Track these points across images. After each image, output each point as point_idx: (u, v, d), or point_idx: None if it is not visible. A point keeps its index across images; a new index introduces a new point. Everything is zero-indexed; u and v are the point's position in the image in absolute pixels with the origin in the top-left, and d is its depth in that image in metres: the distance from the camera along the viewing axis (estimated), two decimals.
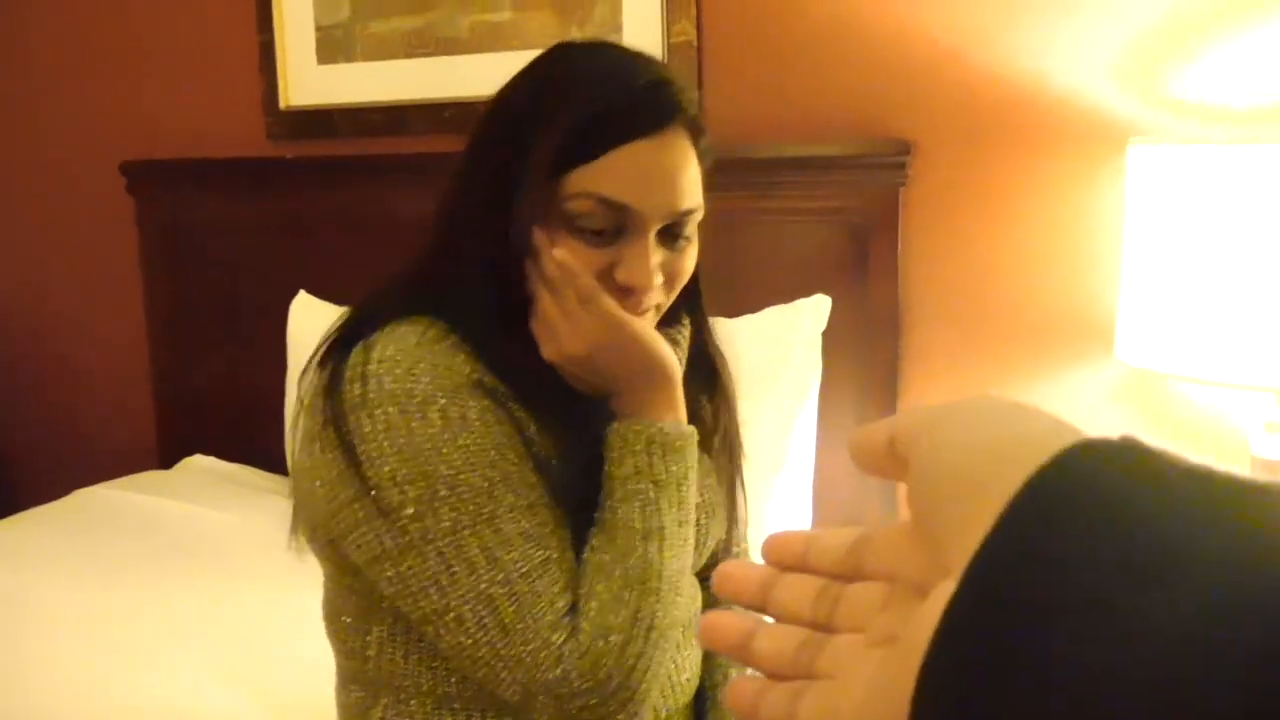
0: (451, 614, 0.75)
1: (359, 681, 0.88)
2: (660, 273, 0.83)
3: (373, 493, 0.76)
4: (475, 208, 0.84)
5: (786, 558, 0.36)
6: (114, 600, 1.50)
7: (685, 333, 0.95)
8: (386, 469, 0.76)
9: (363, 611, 0.85)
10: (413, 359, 0.78)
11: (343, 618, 0.87)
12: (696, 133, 0.84)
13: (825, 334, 1.70)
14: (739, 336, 1.63)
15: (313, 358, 0.84)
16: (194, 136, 2.18)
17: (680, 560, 0.81)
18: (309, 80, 2.07)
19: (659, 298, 0.85)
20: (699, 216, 0.86)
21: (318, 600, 0.91)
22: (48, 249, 2.40)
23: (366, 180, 1.99)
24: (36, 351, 2.45)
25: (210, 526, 1.78)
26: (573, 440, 0.83)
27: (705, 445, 0.93)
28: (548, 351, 0.82)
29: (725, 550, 1.00)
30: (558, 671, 0.74)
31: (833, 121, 1.74)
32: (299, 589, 0.94)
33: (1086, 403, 1.65)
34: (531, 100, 0.82)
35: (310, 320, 1.79)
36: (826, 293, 1.71)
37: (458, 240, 0.85)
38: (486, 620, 0.75)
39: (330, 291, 1.86)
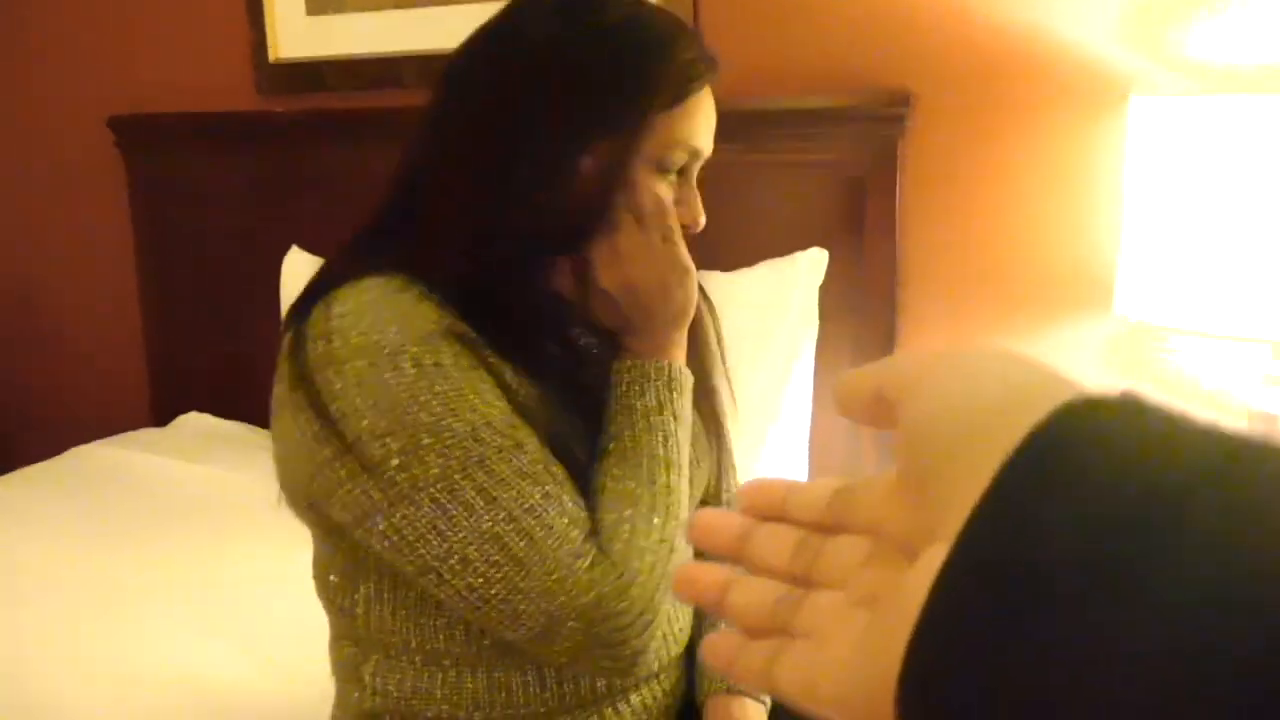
0: (455, 557, 0.74)
1: (349, 638, 0.88)
2: None
3: (353, 450, 0.75)
4: (477, 167, 0.83)
5: (765, 507, 0.35)
6: (108, 558, 1.50)
7: None
8: (365, 423, 0.75)
9: (349, 569, 0.84)
10: (376, 310, 0.77)
11: (330, 576, 0.86)
12: None
13: (821, 290, 1.69)
14: (734, 291, 1.63)
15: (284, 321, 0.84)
16: (182, 91, 2.14)
17: (690, 494, 0.85)
18: (298, 32, 2.04)
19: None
20: None
21: (311, 556, 0.90)
22: (37, 207, 2.37)
23: (358, 134, 1.96)
24: (28, 310, 2.43)
25: (205, 484, 1.77)
26: (559, 383, 0.84)
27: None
28: (607, 278, 0.85)
29: (714, 499, 1.01)
30: (591, 595, 0.75)
31: (830, 73, 1.71)
32: (294, 545, 0.93)
33: (1086, 358, 1.64)
34: (590, 49, 0.84)
35: (302, 276, 1.77)
36: (823, 248, 1.70)
37: (440, 199, 0.84)
38: (496, 557, 0.74)
39: (322, 247, 1.84)
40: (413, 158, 0.88)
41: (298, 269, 1.89)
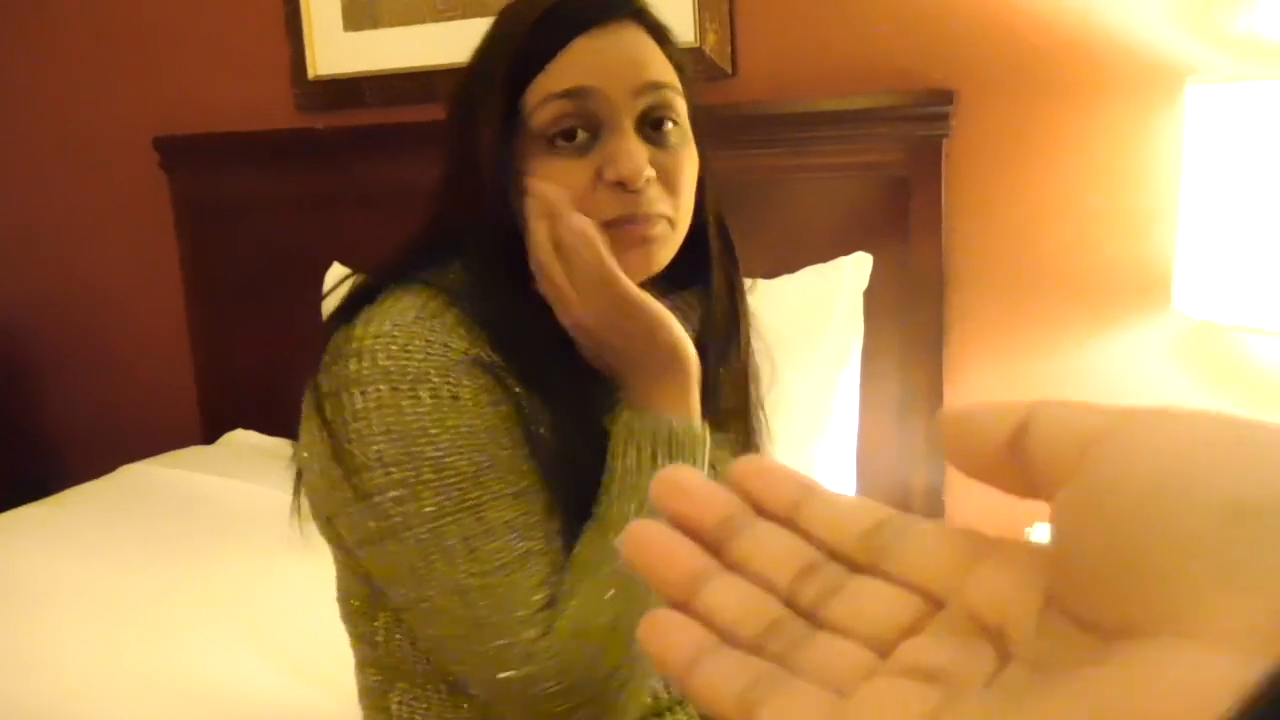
0: (426, 604, 0.73)
1: (374, 665, 0.86)
2: (652, 169, 0.78)
3: (360, 473, 0.74)
4: (463, 169, 0.81)
5: (769, 499, 0.28)
6: (156, 576, 1.51)
7: (698, 301, 0.89)
8: (374, 449, 0.73)
9: (368, 595, 0.83)
10: (408, 335, 0.75)
11: (351, 600, 0.85)
12: (655, 31, 0.81)
13: (866, 294, 1.65)
14: (777, 298, 1.60)
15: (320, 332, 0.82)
16: (224, 110, 2.16)
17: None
18: (337, 48, 2.05)
19: (663, 205, 0.79)
20: (680, 107, 0.81)
21: None
22: (84, 228, 2.40)
23: (398, 148, 1.96)
24: (77, 330, 2.47)
25: (252, 500, 1.78)
26: (573, 421, 0.79)
27: (721, 425, 0.88)
28: (561, 316, 0.78)
29: None
30: (528, 669, 0.71)
31: (871, 72, 1.68)
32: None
33: (1144, 359, 1.59)
34: (483, 42, 0.82)
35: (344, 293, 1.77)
36: (867, 251, 1.66)
37: (454, 205, 0.83)
38: (459, 613, 0.72)
39: (364, 261, 1.83)
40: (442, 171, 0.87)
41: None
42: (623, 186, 0.77)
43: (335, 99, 2.06)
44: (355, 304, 0.80)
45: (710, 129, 0.86)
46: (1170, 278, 1.47)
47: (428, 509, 0.72)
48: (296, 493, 0.85)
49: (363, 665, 0.88)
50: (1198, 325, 1.52)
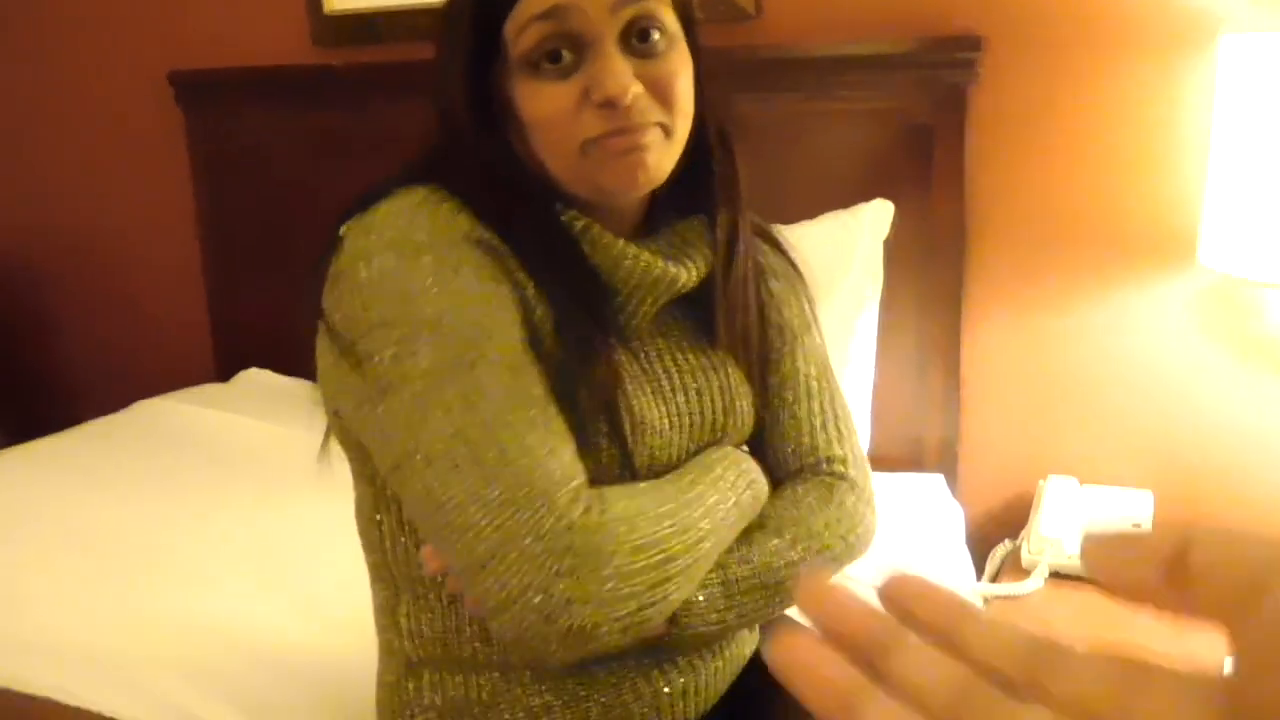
0: (420, 454, 0.71)
1: (383, 579, 0.87)
2: (639, 82, 0.77)
3: (363, 339, 0.74)
4: (443, 101, 0.82)
5: (922, 615, 0.27)
6: (169, 510, 1.52)
7: (696, 258, 0.86)
8: (375, 313, 0.74)
9: (373, 499, 0.83)
10: (414, 212, 0.77)
11: (363, 507, 0.86)
12: None
13: (886, 243, 1.63)
14: (797, 243, 1.57)
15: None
16: (239, 45, 2.14)
17: (703, 574, 0.78)
18: None
19: (655, 113, 0.78)
20: (667, 13, 0.79)
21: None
22: (99, 166, 2.39)
23: (412, 85, 1.93)
24: (93, 267, 2.46)
25: (265, 438, 1.79)
26: (574, 308, 0.79)
27: (733, 348, 0.89)
28: None
29: (790, 464, 0.90)
30: (562, 522, 0.68)
31: (898, 16, 1.64)
32: (351, 501, 0.93)
33: (1168, 314, 1.57)
34: None
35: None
36: (888, 200, 1.64)
37: (440, 138, 0.84)
38: (461, 459, 0.69)
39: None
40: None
41: None
42: (609, 105, 0.76)
43: (350, 34, 2.04)
44: (363, 203, 0.81)
45: (720, 60, 0.85)
46: (1196, 232, 1.44)
47: (423, 364, 0.72)
48: (327, 437, 0.85)
49: (374, 581, 0.88)
50: (1223, 280, 1.50)
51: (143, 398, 2.03)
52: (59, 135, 2.41)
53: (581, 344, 0.78)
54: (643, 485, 0.76)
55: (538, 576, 0.67)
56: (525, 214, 0.80)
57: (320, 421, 0.85)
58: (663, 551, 0.71)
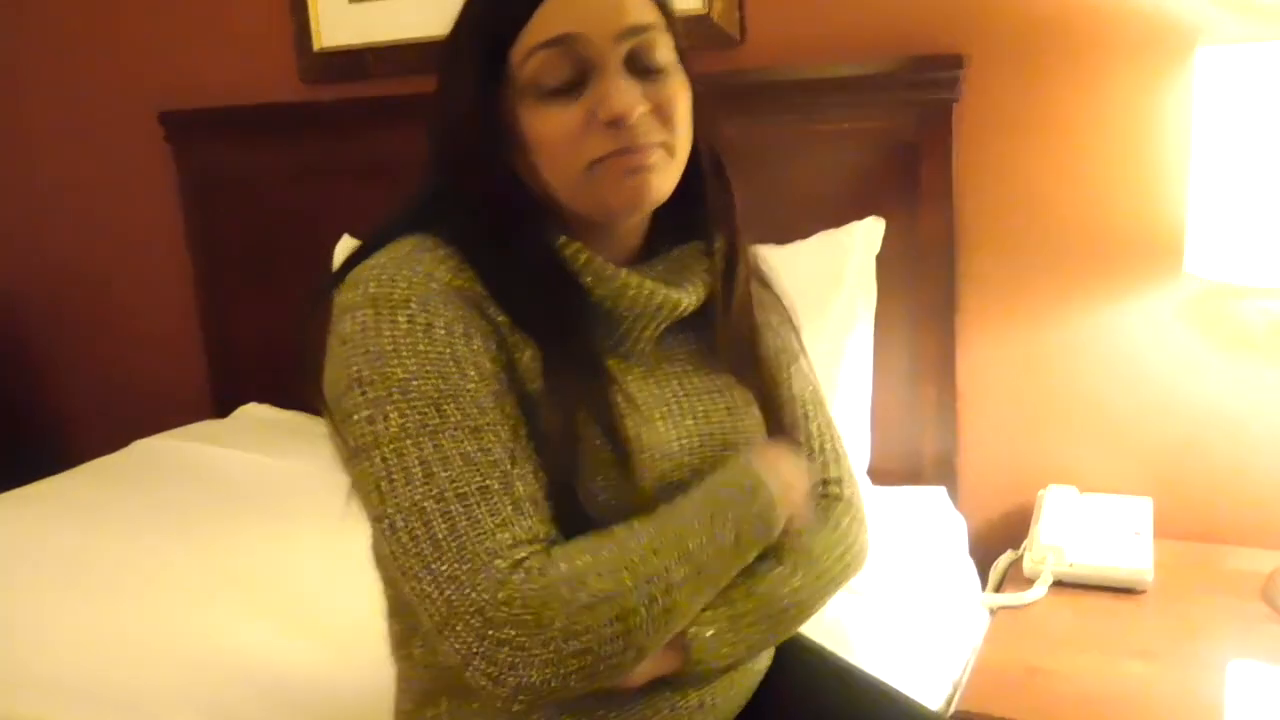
0: (386, 521, 0.74)
1: (399, 613, 0.88)
2: (644, 102, 0.79)
3: (343, 396, 0.76)
4: (450, 131, 0.84)
5: None
6: (171, 548, 1.52)
7: (696, 281, 0.88)
8: (354, 370, 0.76)
9: None
10: (398, 265, 0.78)
11: (380, 545, 0.87)
12: None
13: (878, 260, 1.65)
14: (790, 264, 1.59)
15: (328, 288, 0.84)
16: (229, 84, 2.16)
17: (686, 618, 0.78)
18: (341, 20, 2.04)
19: (659, 134, 0.81)
20: (666, 41, 0.82)
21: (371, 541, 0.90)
22: (91, 204, 2.40)
23: (403, 120, 1.95)
24: (88, 306, 2.47)
25: (265, 473, 1.79)
26: (560, 353, 0.80)
27: (739, 372, 0.91)
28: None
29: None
30: (499, 594, 0.70)
31: (880, 38, 1.67)
32: (354, 533, 0.93)
33: (1156, 322, 1.59)
34: (462, 8, 0.85)
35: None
36: (879, 217, 1.66)
37: (444, 169, 0.85)
38: (418, 532, 0.72)
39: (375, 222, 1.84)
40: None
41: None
42: (615, 125, 0.78)
43: (340, 71, 2.06)
44: (364, 250, 0.83)
45: (704, 75, 0.87)
46: (1182, 241, 1.46)
47: (392, 428, 0.74)
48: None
49: (390, 614, 0.90)
50: (1209, 288, 1.52)
51: (138, 431, 2.03)
52: (50, 174, 2.43)
53: (578, 377, 0.80)
54: (616, 531, 0.76)
55: (482, 646, 0.70)
56: (522, 247, 0.81)
57: (324, 454, 0.86)
58: (618, 606, 0.72)
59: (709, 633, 0.80)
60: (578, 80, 0.79)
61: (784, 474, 0.85)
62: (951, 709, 1.24)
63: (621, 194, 0.80)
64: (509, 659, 0.70)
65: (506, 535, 0.72)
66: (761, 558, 0.84)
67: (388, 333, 0.75)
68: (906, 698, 1.00)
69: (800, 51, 1.73)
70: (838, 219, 1.67)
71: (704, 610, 0.79)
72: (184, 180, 2.24)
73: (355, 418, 0.75)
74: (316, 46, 2.07)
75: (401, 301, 0.76)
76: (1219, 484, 1.60)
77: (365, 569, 0.91)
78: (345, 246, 1.93)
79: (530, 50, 0.78)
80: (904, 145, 1.66)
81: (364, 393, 0.75)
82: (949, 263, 1.67)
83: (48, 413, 2.57)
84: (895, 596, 1.36)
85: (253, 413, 2.15)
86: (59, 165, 2.42)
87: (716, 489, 0.81)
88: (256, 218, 2.18)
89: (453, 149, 0.84)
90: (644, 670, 0.78)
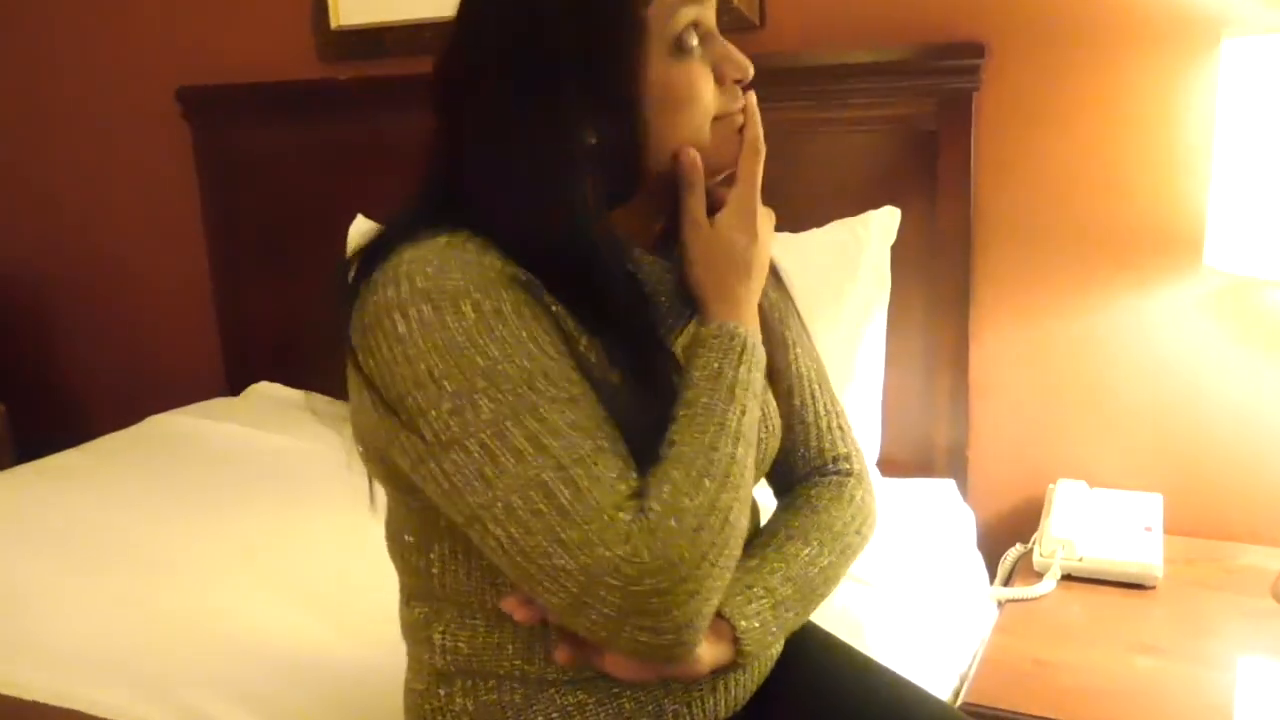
0: (500, 504, 0.72)
1: (421, 598, 0.87)
2: None
3: (412, 394, 0.74)
4: (521, 117, 0.81)
5: None
6: (183, 524, 1.53)
7: None
8: (423, 367, 0.74)
9: (423, 529, 0.84)
10: (443, 257, 0.76)
11: (405, 536, 0.86)
12: None
13: (894, 249, 1.64)
14: (805, 252, 1.59)
15: (346, 277, 0.82)
16: (246, 61, 2.16)
17: (751, 484, 0.80)
18: None
19: None
20: None
21: (383, 522, 0.90)
22: (107, 181, 2.41)
23: (420, 100, 1.95)
24: (101, 284, 2.48)
25: (276, 451, 1.80)
26: (620, 337, 0.81)
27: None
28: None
29: (796, 460, 0.96)
30: (625, 548, 0.70)
31: (901, 24, 1.65)
32: (364, 511, 0.94)
33: (1175, 316, 1.58)
34: None
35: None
36: (895, 206, 1.65)
37: (498, 153, 0.82)
38: (540, 506, 0.71)
39: (387, 215, 1.84)
40: (448, 120, 0.87)
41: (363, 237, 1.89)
42: (742, 83, 0.83)
43: (358, 49, 2.05)
44: (382, 247, 0.80)
45: None
46: (1202, 234, 1.45)
47: (485, 415, 0.72)
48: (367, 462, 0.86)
49: (409, 599, 0.89)
50: (1229, 281, 1.50)
51: (153, 410, 2.05)
52: (66, 151, 2.44)
53: (642, 360, 0.81)
54: (669, 454, 0.76)
55: (632, 601, 0.71)
56: (569, 252, 0.80)
57: (336, 434, 0.86)
58: (719, 512, 0.74)
59: (757, 624, 0.81)
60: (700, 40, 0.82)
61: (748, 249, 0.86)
62: (959, 701, 1.24)
63: (739, 148, 0.85)
64: (659, 604, 0.71)
65: (624, 485, 0.73)
66: (790, 540, 0.87)
67: (455, 325, 0.74)
68: (915, 685, 1.00)
69: (819, 37, 1.72)
70: (854, 207, 1.66)
71: (748, 604, 0.82)
72: (200, 158, 2.24)
73: (434, 413, 0.73)
74: (334, 24, 2.06)
75: (460, 291, 0.74)
76: (1231, 481, 1.59)
77: (376, 547, 0.91)
78: (359, 227, 1.93)
79: (675, 5, 0.80)
80: (923, 134, 1.65)
81: (441, 386, 0.73)
82: (965, 253, 1.66)
83: (63, 388, 2.59)
84: (904, 588, 1.36)
85: (264, 391, 2.16)
86: (76, 143, 2.42)
87: (710, 362, 0.81)
88: (271, 195, 2.18)
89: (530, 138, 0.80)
90: (705, 662, 0.79)
